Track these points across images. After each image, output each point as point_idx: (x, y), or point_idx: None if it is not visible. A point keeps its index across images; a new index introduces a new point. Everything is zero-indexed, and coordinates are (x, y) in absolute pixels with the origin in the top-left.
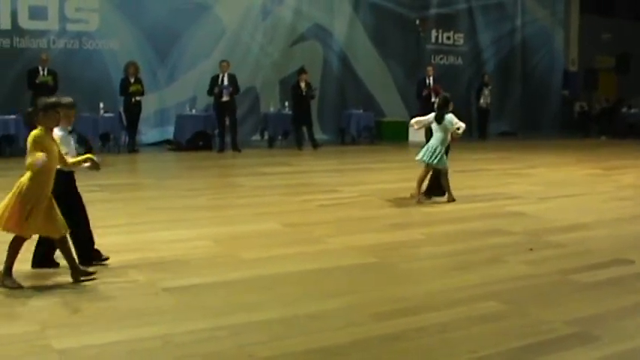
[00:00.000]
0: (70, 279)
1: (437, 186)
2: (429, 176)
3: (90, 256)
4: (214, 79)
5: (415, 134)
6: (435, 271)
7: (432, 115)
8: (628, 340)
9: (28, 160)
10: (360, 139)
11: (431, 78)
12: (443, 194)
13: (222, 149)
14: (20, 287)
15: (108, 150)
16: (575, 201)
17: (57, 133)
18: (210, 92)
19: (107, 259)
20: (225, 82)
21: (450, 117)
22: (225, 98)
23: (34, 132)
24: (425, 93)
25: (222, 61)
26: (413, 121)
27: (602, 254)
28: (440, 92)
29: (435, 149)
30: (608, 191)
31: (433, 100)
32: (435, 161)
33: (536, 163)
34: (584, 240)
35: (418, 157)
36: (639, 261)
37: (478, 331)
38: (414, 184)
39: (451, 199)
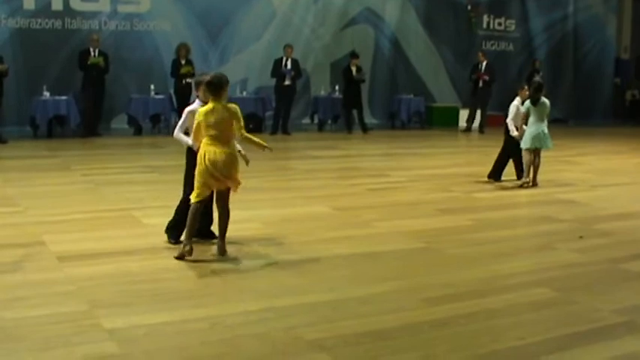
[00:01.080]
0: (119, 259)
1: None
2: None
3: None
4: (278, 63)
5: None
6: (484, 258)
7: (526, 103)
8: None
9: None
10: (410, 124)
11: (483, 64)
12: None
13: (274, 132)
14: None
15: (158, 131)
16: (626, 189)
17: None
18: (273, 75)
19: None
20: (289, 66)
21: (545, 100)
22: (287, 82)
23: None
24: (473, 78)
25: (287, 45)
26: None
27: None
28: (485, 79)
29: (545, 132)
30: None
31: (481, 85)
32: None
33: (588, 150)
34: (635, 229)
35: (527, 146)
36: None
37: (526, 318)
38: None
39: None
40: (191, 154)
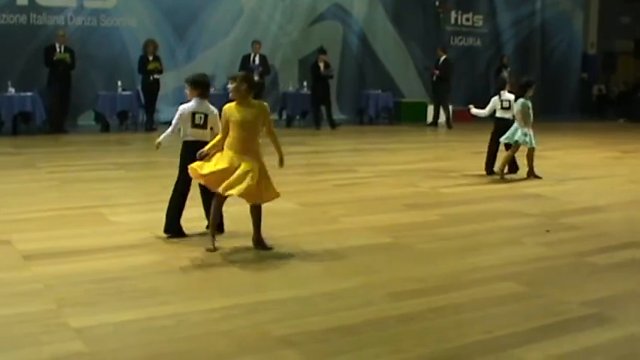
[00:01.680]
0: (86, 257)
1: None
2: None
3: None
4: (245, 59)
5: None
6: (451, 252)
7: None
8: None
9: None
10: (379, 119)
11: (441, 59)
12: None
13: None
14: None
15: (125, 128)
16: (593, 184)
17: None
18: (240, 71)
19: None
20: (257, 62)
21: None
22: (255, 78)
23: None
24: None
25: (255, 41)
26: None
27: (619, 237)
28: (435, 73)
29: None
30: (626, 174)
31: (434, 79)
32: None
33: (554, 145)
34: (601, 222)
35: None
36: None
37: (494, 312)
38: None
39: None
40: (186, 149)
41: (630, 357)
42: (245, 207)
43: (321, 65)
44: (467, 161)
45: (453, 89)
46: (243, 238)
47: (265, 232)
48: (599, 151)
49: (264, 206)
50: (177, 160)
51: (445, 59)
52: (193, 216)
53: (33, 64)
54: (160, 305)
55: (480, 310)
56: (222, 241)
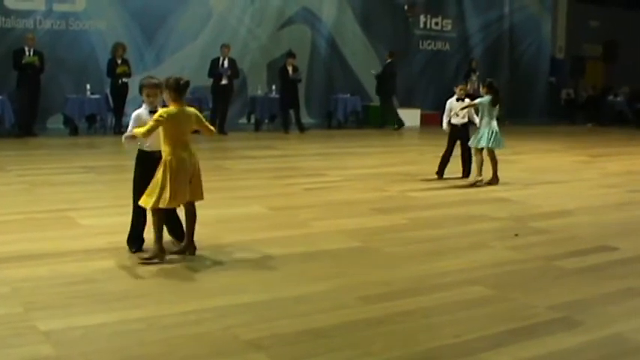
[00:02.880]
0: (55, 260)
1: None
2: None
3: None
4: (214, 62)
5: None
6: (420, 256)
7: (485, 99)
8: (611, 326)
9: None
10: (347, 123)
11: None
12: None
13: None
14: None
15: (94, 131)
16: (561, 188)
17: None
18: (209, 74)
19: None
20: (226, 65)
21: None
22: (224, 81)
23: None
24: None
25: (223, 45)
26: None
27: (587, 241)
28: (372, 73)
29: (497, 133)
30: (594, 178)
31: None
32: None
33: (523, 149)
34: (569, 226)
35: (481, 145)
36: (623, 248)
37: (463, 316)
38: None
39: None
40: (143, 159)
41: None
42: (214, 212)
43: (290, 69)
44: (435, 165)
45: (421, 93)
46: (212, 243)
47: (234, 236)
48: (568, 155)
49: (231, 210)
50: None
51: (389, 62)
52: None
53: (1, 68)
54: (130, 309)
55: (448, 314)
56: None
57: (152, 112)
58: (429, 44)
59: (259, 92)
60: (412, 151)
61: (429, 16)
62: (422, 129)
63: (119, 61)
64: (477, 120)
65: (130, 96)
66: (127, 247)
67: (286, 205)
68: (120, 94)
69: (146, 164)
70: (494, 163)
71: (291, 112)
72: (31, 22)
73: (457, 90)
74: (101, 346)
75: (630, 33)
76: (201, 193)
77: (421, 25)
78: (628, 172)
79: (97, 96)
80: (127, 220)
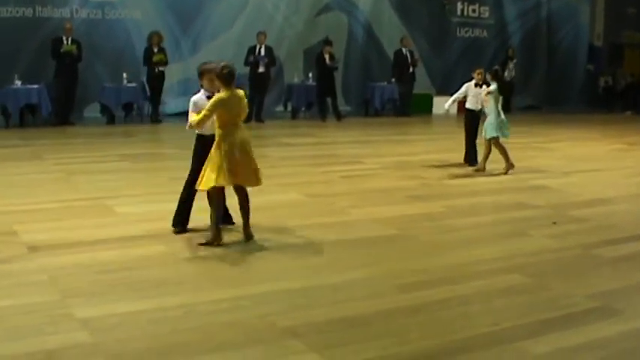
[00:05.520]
0: (91, 248)
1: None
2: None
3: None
4: (251, 50)
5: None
6: (457, 244)
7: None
8: None
9: None
10: (384, 111)
11: (407, 49)
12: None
13: (248, 120)
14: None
15: (131, 120)
16: (599, 176)
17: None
18: (246, 62)
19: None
20: (262, 53)
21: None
22: (261, 69)
23: None
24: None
25: (260, 32)
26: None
27: (625, 229)
28: (417, 64)
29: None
30: (632, 166)
31: (411, 70)
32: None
33: (561, 137)
34: (607, 215)
35: (493, 135)
36: None
37: (500, 304)
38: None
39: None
40: (201, 143)
41: (637, 350)
42: (252, 199)
43: (327, 56)
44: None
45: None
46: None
47: (272, 223)
48: (606, 144)
49: (269, 197)
50: (184, 152)
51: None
52: (202, 208)
53: (39, 57)
54: (166, 296)
55: (485, 302)
56: (227, 234)
57: (209, 97)
58: (466, 31)
59: (296, 80)
60: (449, 139)
61: (466, 3)
62: (459, 117)
63: (155, 50)
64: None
65: (166, 84)
66: (163, 235)
67: (323, 193)
68: (156, 82)
69: (205, 148)
70: (502, 150)
71: (328, 99)
72: (67, 12)
73: (475, 75)
74: (136, 334)
75: None
76: (256, 179)
77: (458, 13)
78: None
79: (133, 84)
80: (163, 207)
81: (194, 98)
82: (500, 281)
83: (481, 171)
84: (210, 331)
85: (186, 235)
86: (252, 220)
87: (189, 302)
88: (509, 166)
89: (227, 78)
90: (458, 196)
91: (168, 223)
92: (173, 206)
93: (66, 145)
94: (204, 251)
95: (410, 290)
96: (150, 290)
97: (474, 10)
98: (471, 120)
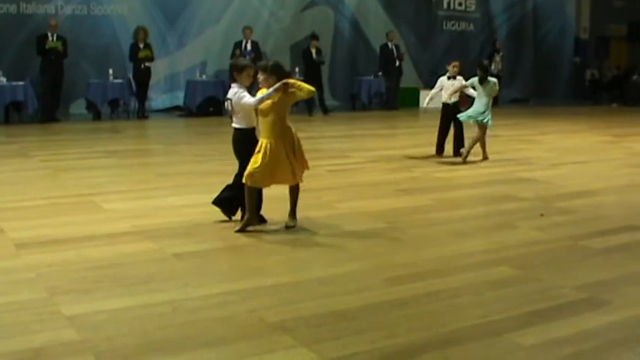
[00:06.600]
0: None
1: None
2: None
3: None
4: (237, 45)
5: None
6: (445, 237)
7: (474, 79)
8: (638, 306)
9: None
10: (371, 105)
11: (393, 43)
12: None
13: None
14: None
15: (117, 116)
16: (586, 167)
17: None
18: (232, 58)
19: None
20: (249, 48)
21: (494, 80)
22: None
23: None
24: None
25: (246, 27)
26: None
27: (613, 220)
28: (403, 58)
29: (485, 111)
30: (619, 158)
31: (397, 64)
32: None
33: (548, 129)
34: (595, 206)
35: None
36: None
37: (488, 297)
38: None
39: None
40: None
41: (625, 341)
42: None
43: (313, 51)
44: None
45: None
46: (232, 226)
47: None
48: (593, 135)
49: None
50: (171, 148)
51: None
52: (189, 204)
53: (24, 54)
54: (154, 292)
55: (474, 295)
56: (215, 229)
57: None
58: (452, 25)
59: None
60: (436, 132)
61: None
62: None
63: (141, 46)
64: (472, 93)
65: (152, 80)
66: (150, 231)
67: (310, 187)
68: (143, 78)
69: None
70: (483, 139)
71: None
72: (52, 8)
73: (450, 68)
74: (125, 330)
75: None
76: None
77: (445, 6)
78: None
79: (119, 80)
80: (150, 203)
81: (238, 89)
82: (489, 273)
83: (487, 160)
84: (199, 327)
85: (172, 231)
86: (238, 214)
87: (177, 298)
88: (467, 155)
89: (283, 71)
90: (445, 189)
91: (155, 219)
92: (161, 202)
93: (52, 142)
94: (190, 247)
95: (398, 283)
96: (138, 286)
97: (460, 4)
98: (446, 113)
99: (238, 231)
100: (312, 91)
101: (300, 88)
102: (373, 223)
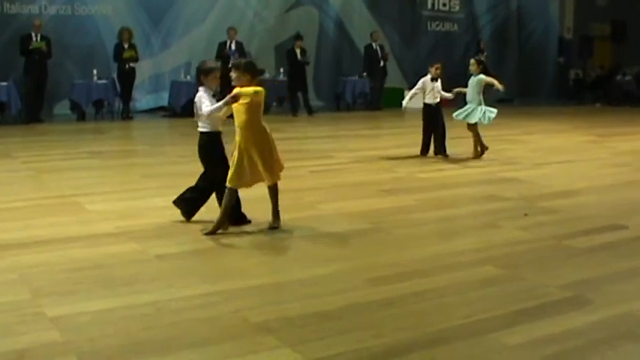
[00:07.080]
0: (62, 246)
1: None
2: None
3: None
4: (222, 46)
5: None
6: (430, 237)
7: (481, 76)
8: (621, 304)
9: None
10: (356, 105)
11: (377, 43)
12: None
13: None
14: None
15: (101, 117)
16: (570, 167)
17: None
18: (217, 58)
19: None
20: (233, 48)
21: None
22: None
23: None
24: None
25: (230, 28)
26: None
27: (597, 220)
28: (387, 59)
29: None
30: (603, 158)
31: (382, 65)
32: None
33: (532, 129)
34: (579, 206)
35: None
36: (633, 226)
37: (473, 296)
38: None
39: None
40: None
41: (609, 339)
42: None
43: (298, 51)
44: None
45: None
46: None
47: None
48: (577, 135)
49: (242, 193)
50: (155, 149)
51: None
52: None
53: (7, 54)
54: (138, 293)
55: (459, 294)
56: (196, 230)
57: (213, 95)
58: (436, 25)
59: (267, 75)
60: (420, 132)
61: None
62: None
63: (126, 46)
64: (448, 95)
65: (137, 81)
66: (134, 232)
67: (293, 188)
68: (127, 79)
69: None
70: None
71: (300, 94)
72: (36, 8)
73: (432, 69)
74: (109, 331)
75: (639, 12)
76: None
77: (429, 6)
78: (637, 151)
79: (104, 81)
80: (134, 204)
81: (202, 94)
82: (474, 273)
83: (481, 154)
84: (182, 328)
85: (156, 232)
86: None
87: (161, 299)
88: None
89: (256, 69)
90: (429, 189)
91: (139, 220)
92: (145, 203)
93: (36, 143)
94: (174, 249)
95: (383, 283)
96: (121, 288)
97: (444, 4)
98: (428, 114)
99: (208, 234)
100: (261, 91)
101: (250, 94)
102: (357, 223)
